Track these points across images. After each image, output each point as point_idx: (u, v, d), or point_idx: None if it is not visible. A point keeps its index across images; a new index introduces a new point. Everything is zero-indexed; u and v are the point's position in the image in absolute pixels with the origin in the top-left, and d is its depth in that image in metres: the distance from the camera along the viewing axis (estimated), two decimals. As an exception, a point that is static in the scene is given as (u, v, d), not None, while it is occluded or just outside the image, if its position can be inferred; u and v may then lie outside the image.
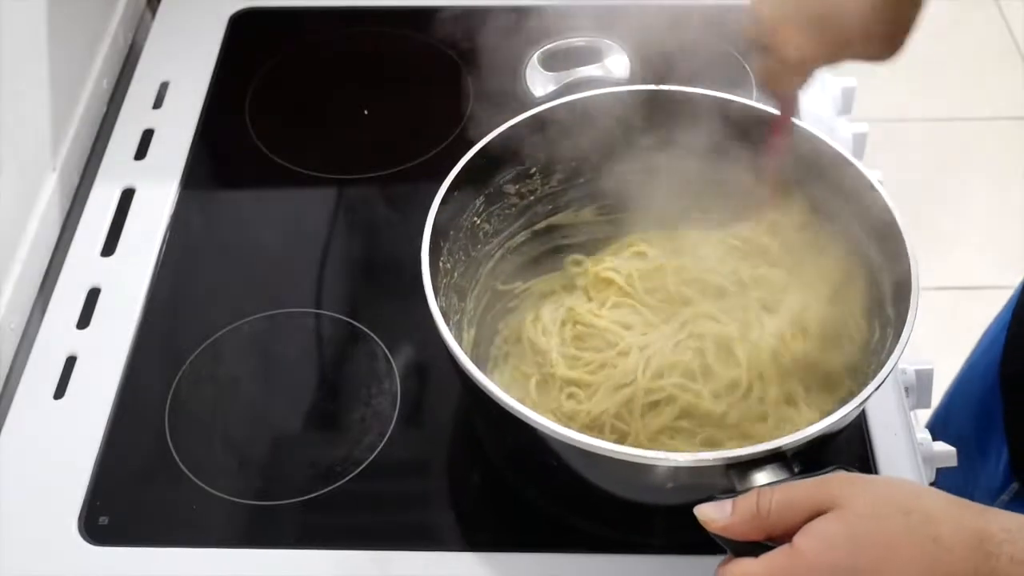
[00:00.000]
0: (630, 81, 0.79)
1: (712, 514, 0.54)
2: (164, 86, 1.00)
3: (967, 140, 2.04)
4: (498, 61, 1.03)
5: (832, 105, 0.97)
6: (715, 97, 0.76)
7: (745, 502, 0.54)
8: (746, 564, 0.53)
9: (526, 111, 0.75)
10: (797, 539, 0.51)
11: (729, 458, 0.57)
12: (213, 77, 1.01)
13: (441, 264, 0.71)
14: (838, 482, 0.53)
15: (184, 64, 1.02)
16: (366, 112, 0.99)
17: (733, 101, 0.76)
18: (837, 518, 0.51)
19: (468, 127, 0.96)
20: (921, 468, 0.74)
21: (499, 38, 1.06)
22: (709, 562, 0.57)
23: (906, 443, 0.75)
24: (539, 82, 0.79)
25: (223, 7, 1.07)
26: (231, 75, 1.01)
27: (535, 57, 0.80)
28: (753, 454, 0.57)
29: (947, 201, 1.88)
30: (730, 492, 0.56)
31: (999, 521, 0.51)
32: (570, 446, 0.59)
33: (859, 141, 0.96)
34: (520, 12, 1.09)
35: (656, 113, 0.76)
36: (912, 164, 1.95)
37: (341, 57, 1.04)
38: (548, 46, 0.81)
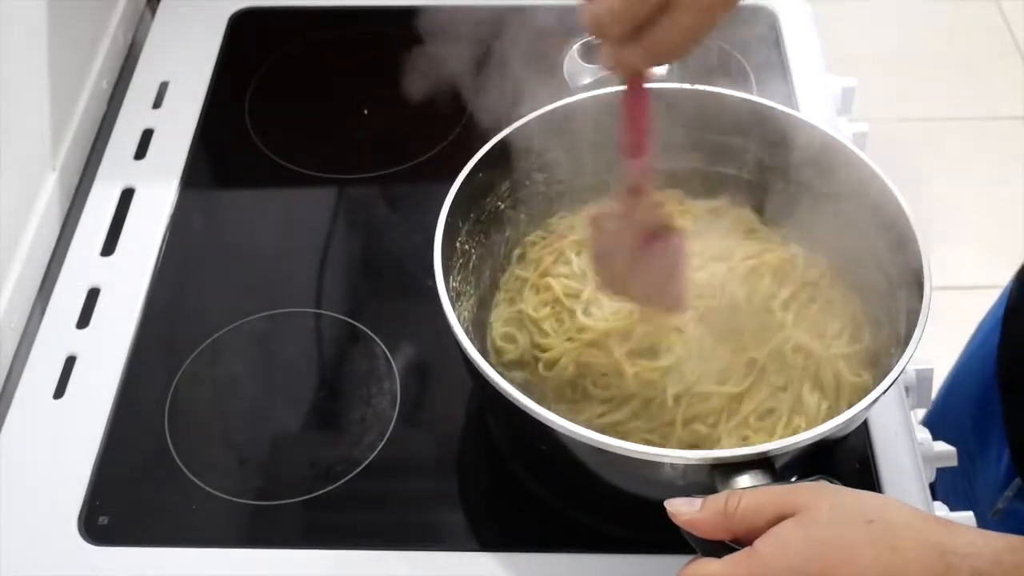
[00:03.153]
0: (668, 78, 0.79)
1: (681, 507, 0.55)
2: (164, 86, 1.00)
3: (967, 140, 2.04)
4: (502, 60, 1.03)
5: (832, 105, 0.97)
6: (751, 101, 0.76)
7: (714, 500, 0.55)
8: (706, 563, 0.54)
9: (555, 101, 0.76)
10: (758, 542, 0.52)
11: (715, 458, 0.58)
12: (213, 77, 1.01)
13: (459, 245, 0.72)
14: (806, 489, 0.54)
15: (184, 64, 1.02)
16: (366, 112, 0.99)
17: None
18: (796, 522, 0.52)
19: (468, 127, 0.96)
20: (921, 468, 0.74)
21: (501, 38, 1.06)
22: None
23: (906, 443, 0.75)
24: (577, 73, 0.79)
25: (223, 7, 1.07)
26: (231, 75, 1.01)
27: (575, 48, 0.80)
28: (737, 456, 0.58)
29: (947, 201, 1.88)
30: (711, 492, 0.56)
31: (964, 535, 0.51)
32: (563, 435, 0.59)
33: (859, 141, 0.96)
34: (519, 12, 1.09)
35: (688, 112, 0.76)
36: (912, 164, 1.94)
37: (341, 57, 1.04)
38: (590, 38, 0.80)
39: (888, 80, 2.10)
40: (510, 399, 0.60)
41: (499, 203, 0.76)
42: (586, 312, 0.72)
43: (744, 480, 0.57)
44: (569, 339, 0.72)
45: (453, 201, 0.70)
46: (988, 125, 2.07)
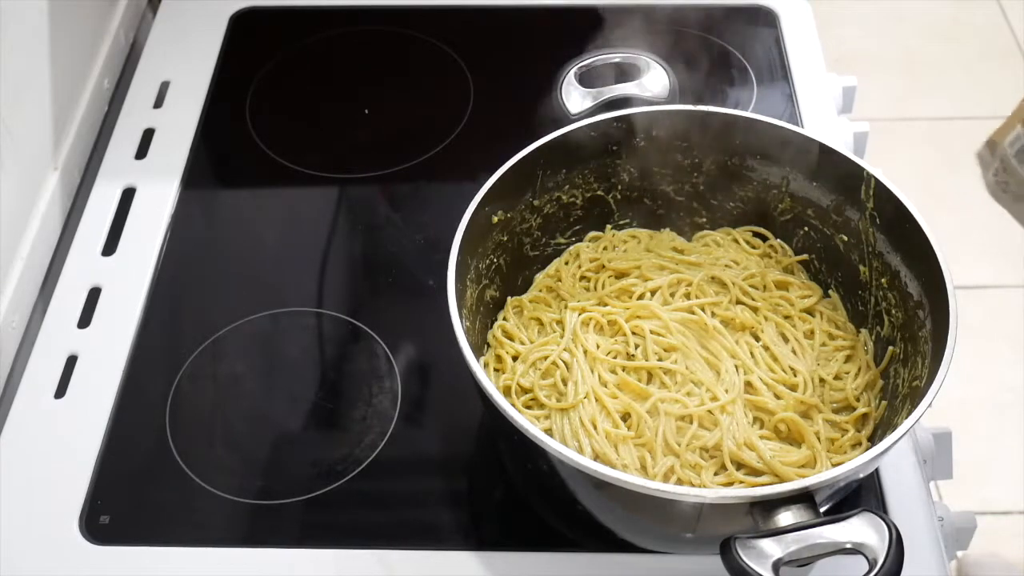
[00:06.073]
0: (669, 98, 0.78)
1: None
2: (165, 85, 1.00)
3: (968, 139, 2.03)
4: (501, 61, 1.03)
5: (833, 104, 0.97)
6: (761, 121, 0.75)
7: None
8: None
9: (567, 123, 0.75)
10: None
11: (755, 496, 0.57)
12: (214, 76, 1.01)
13: (469, 260, 0.71)
14: None
15: (185, 64, 1.02)
16: (367, 112, 0.99)
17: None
18: None
19: (469, 127, 0.96)
20: (921, 467, 0.74)
21: (499, 38, 1.06)
22: (709, 561, 0.57)
23: (906, 442, 0.75)
24: (575, 98, 0.78)
25: (223, 7, 1.07)
26: (232, 74, 1.02)
27: (571, 73, 0.79)
28: (778, 493, 0.57)
29: (947, 201, 1.88)
30: (752, 531, 0.56)
31: None
32: (593, 477, 0.58)
33: (860, 140, 0.96)
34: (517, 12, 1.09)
35: (707, 133, 0.77)
36: (912, 164, 1.95)
37: (341, 57, 1.04)
38: (585, 62, 0.80)
39: (888, 80, 2.10)
40: (543, 446, 0.59)
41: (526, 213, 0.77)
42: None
43: (787, 516, 0.56)
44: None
45: (475, 210, 0.70)
46: (989, 125, 2.07)
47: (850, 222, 0.74)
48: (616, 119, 0.76)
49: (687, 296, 0.75)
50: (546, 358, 0.71)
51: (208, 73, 1.01)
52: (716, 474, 0.66)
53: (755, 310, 0.74)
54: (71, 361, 0.80)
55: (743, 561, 0.54)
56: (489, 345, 0.74)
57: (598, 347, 0.72)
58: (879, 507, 0.71)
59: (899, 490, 0.72)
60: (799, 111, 0.95)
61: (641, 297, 0.75)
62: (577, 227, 0.80)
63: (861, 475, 0.63)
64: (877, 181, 0.71)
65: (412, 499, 0.73)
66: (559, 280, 0.78)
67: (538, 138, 0.74)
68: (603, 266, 0.78)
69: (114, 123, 0.97)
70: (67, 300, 0.84)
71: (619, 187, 0.80)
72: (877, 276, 0.73)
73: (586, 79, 0.79)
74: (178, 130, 0.96)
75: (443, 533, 0.71)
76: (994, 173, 0.82)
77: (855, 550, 0.55)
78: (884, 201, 0.71)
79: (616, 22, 1.03)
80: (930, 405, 0.60)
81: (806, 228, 0.78)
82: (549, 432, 0.68)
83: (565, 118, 0.77)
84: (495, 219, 0.74)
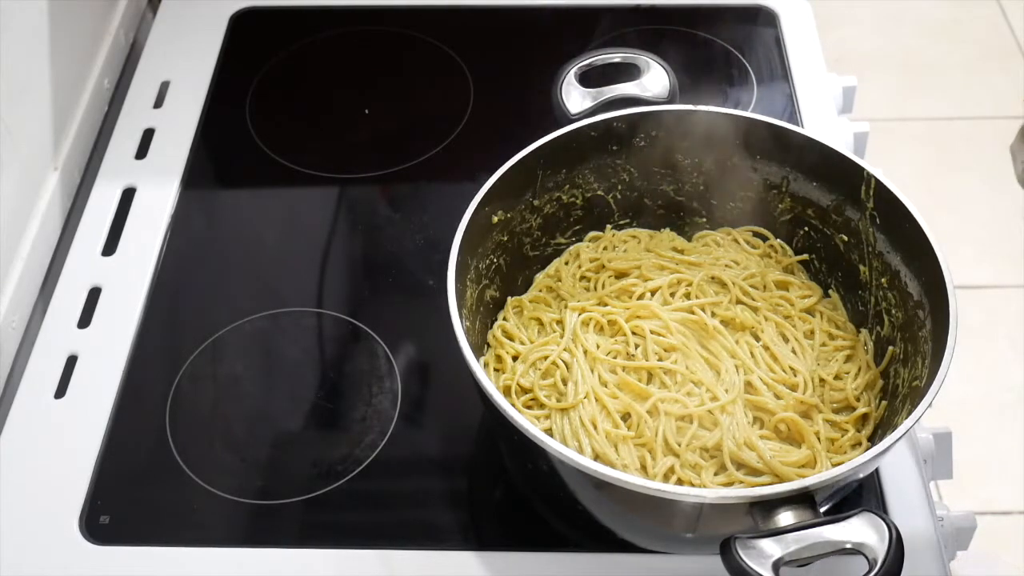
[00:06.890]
0: (669, 98, 0.78)
1: None
2: (165, 85, 1.00)
3: (967, 139, 2.04)
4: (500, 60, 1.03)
5: (833, 104, 0.97)
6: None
7: None
8: None
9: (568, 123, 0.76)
10: None
11: (754, 496, 0.57)
12: (214, 77, 1.01)
13: (470, 261, 0.71)
14: None
15: (185, 64, 1.02)
16: (367, 112, 0.99)
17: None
18: None
19: (469, 127, 0.96)
20: (921, 467, 0.74)
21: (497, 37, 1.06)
22: (709, 561, 0.57)
23: (905, 442, 0.75)
24: (575, 98, 0.78)
25: (224, 7, 1.07)
26: (232, 74, 1.02)
27: (571, 73, 0.79)
28: (778, 493, 0.57)
29: (947, 201, 1.88)
30: (752, 531, 0.56)
31: None
32: (593, 477, 0.58)
33: (860, 140, 0.96)
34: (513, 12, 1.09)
35: (707, 133, 0.77)
36: (912, 164, 1.95)
37: (342, 57, 1.04)
38: (585, 62, 0.79)
39: (888, 80, 2.10)
40: (544, 447, 0.59)
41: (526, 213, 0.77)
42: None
43: (786, 516, 0.56)
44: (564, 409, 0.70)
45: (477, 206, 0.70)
46: (988, 125, 2.07)
47: (850, 222, 0.74)
48: (616, 119, 0.76)
49: (687, 296, 0.75)
50: (546, 358, 0.71)
51: (208, 73, 1.01)
52: (716, 474, 0.66)
53: (755, 310, 0.74)
54: (71, 361, 0.80)
55: (743, 561, 0.54)
56: (489, 345, 0.74)
57: (598, 347, 0.72)
58: (879, 507, 0.71)
59: (899, 490, 0.72)
60: (799, 111, 0.95)
61: (641, 297, 0.75)
62: (577, 227, 0.80)
63: (861, 475, 0.63)
64: (877, 181, 0.71)
65: (412, 499, 0.73)
66: (559, 280, 0.78)
67: (538, 138, 0.74)
68: (603, 266, 0.78)
69: (114, 123, 0.97)
70: (67, 300, 0.84)
71: (619, 187, 0.80)
72: (877, 276, 0.73)
73: (586, 79, 0.79)
74: (178, 130, 0.96)
75: (443, 533, 0.71)
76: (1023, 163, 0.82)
77: (855, 550, 0.55)
78: (884, 201, 0.71)
79: (616, 22, 1.03)
80: (930, 405, 0.60)
81: (806, 228, 0.78)
82: (549, 432, 0.68)
83: (565, 118, 0.77)
84: (495, 219, 0.74)
